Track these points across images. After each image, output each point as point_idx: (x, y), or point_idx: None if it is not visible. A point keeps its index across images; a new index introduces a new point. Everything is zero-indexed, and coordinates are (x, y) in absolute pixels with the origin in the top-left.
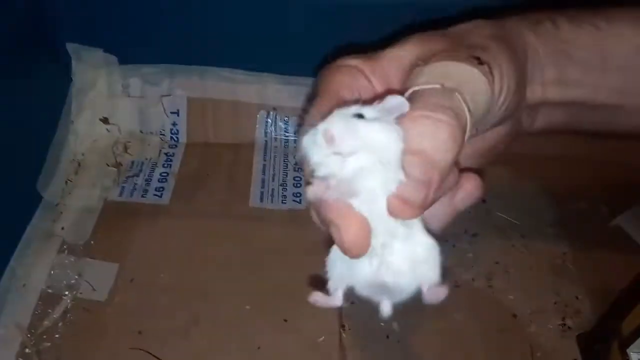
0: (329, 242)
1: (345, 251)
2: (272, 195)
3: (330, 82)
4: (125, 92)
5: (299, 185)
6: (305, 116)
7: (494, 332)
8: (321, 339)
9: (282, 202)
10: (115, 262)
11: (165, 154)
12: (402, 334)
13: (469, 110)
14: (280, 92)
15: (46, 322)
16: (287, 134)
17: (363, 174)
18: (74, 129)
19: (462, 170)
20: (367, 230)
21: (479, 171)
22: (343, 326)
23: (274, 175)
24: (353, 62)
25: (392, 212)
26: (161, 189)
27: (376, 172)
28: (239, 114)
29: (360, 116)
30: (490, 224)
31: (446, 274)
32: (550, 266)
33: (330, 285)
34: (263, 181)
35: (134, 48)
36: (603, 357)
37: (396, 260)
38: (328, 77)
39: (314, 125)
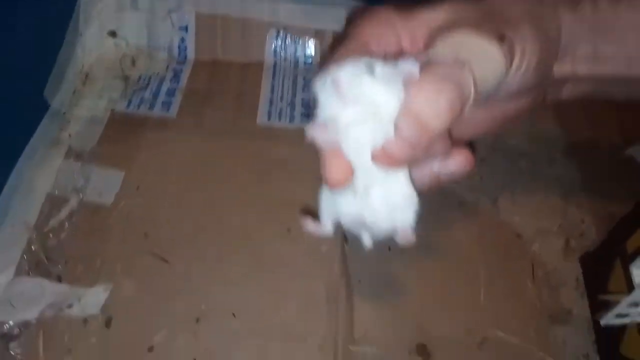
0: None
1: (327, 184)
2: (280, 114)
3: (360, 30)
4: (134, 6)
5: (307, 105)
6: (329, 58)
7: (495, 249)
8: (324, 248)
9: (290, 121)
10: (122, 170)
11: (173, 69)
12: (404, 247)
13: (475, 85)
14: (292, 10)
15: (52, 222)
16: (297, 55)
17: (357, 124)
18: (81, 41)
19: (455, 144)
20: (347, 172)
21: (472, 146)
22: (346, 238)
23: (282, 96)
24: (387, 14)
25: (375, 160)
26: (169, 103)
27: (369, 124)
28: (249, 32)
29: (371, 70)
30: (499, 149)
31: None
32: (557, 191)
33: (321, 215)
34: (271, 100)
35: None
36: (605, 276)
37: (374, 203)
38: (358, 25)
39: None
